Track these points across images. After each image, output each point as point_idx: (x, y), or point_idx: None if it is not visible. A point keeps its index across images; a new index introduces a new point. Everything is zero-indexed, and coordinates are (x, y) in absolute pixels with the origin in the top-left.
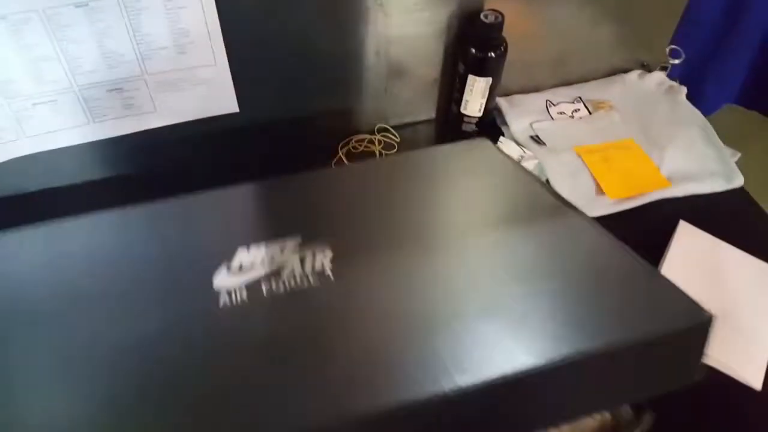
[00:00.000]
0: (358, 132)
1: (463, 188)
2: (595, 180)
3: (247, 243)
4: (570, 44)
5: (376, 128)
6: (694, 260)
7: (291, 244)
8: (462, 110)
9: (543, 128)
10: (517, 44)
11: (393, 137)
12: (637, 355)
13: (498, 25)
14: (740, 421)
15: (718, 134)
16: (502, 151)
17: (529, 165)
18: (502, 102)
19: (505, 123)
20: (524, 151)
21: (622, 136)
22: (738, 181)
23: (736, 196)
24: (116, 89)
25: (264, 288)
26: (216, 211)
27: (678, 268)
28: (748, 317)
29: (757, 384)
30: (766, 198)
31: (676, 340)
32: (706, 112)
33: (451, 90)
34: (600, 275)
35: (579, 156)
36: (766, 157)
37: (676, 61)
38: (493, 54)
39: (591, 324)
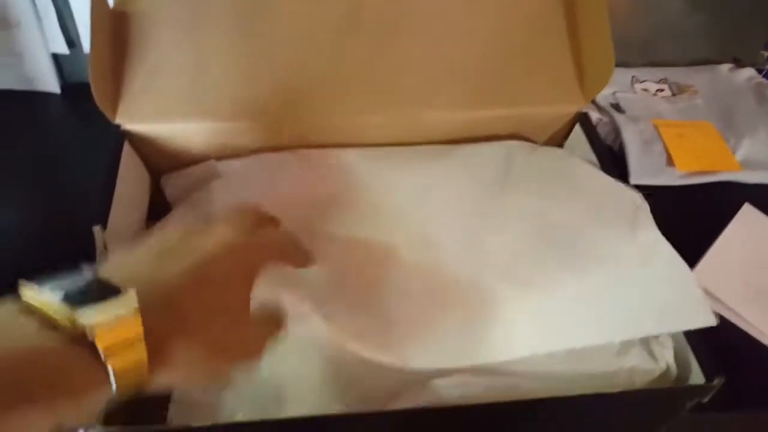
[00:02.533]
0: None
1: None
2: (667, 151)
3: None
4: (663, 28)
5: None
6: (750, 241)
7: None
8: None
9: (625, 98)
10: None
11: None
12: None
13: None
14: None
15: None
16: None
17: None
18: None
19: None
20: (602, 117)
21: (702, 119)
22: None
23: None
24: None
25: None
26: None
27: (732, 244)
28: None
29: None
30: None
31: None
32: None
33: None
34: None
35: (656, 128)
36: None
37: None
38: None
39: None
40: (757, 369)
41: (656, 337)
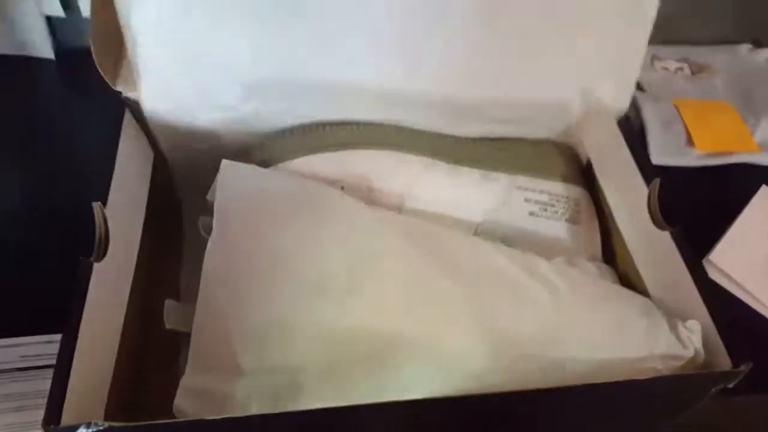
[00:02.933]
0: None
1: None
2: (687, 131)
3: None
4: (682, 6)
5: None
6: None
7: None
8: None
9: (645, 77)
10: None
11: None
12: None
13: None
14: None
15: None
16: None
17: None
18: None
19: None
20: None
21: (721, 99)
22: None
23: None
24: None
25: None
26: None
27: (752, 225)
28: None
29: None
30: None
31: None
32: None
33: None
34: None
35: (676, 107)
36: None
37: None
38: None
39: None
40: None
41: (684, 322)
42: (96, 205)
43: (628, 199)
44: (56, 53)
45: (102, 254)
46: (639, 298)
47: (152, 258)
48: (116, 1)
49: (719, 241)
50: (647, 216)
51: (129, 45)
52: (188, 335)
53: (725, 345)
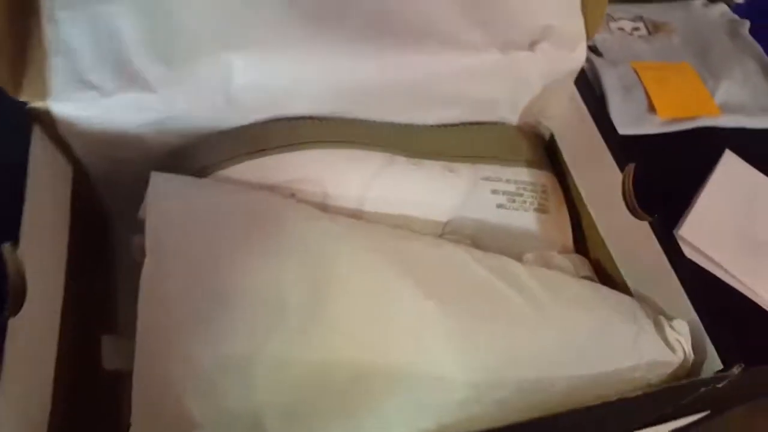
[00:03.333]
0: None
1: None
2: (648, 97)
3: None
4: None
5: None
6: (736, 189)
7: None
8: None
9: (602, 39)
10: None
11: None
12: None
13: None
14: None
15: None
16: None
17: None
18: None
19: None
20: None
21: (679, 60)
22: None
23: None
24: None
25: None
26: None
27: (719, 193)
28: None
29: None
30: None
31: None
32: None
33: None
34: None
35: (635, 71)
36: None
37: (740, 1)
38: None
39: None
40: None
41: (670, 321)
42: (5, 248)
43: (599, 183)
44: None
45: (18, 306)
46: (623, 302)
47: (81, 293)
48: None
49: (687, 214)
50: (622, 203)
51: (44, 40)
52: (132, 373)
53: (713, 342)
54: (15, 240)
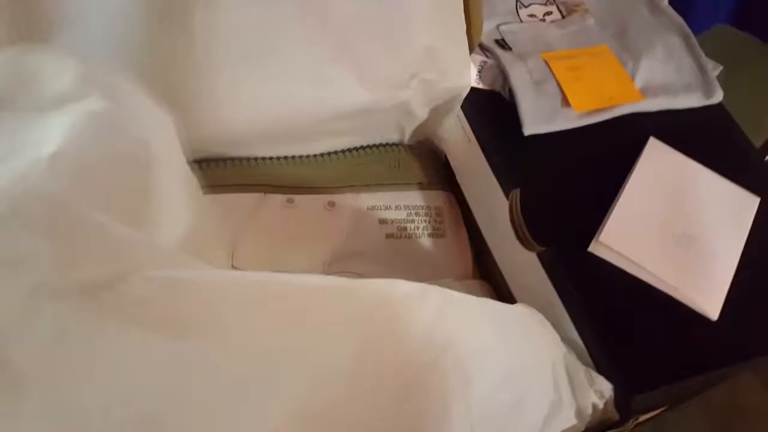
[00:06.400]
0: None
1: None
2: (561, 90)
3: None
4: None
5: None
6: (661, 180)
7: None
8: None
9: (510, 31)
10: None
11: None
12: None
13: None
14: (693, 352)
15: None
16: None
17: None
18: None
19: None
20: (487, 57)
21: (596, 42)
22: (717, 96)
23: (714, 112)
24: None
25: None
26: None
27: (643, 188)
28: (713, 242)
29: (713, 314)
30: (745, 119)
31: None
32: (695, 31)
33: None
34: None
35: (546, 63)
36: (750, 79)
37: None
38: None
39: None
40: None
41: (593, 381)
42: None
43: (489, 209)
44: None
45: None
46: (544, 365)
47: None
48: None
49: (607, 217)
50: (512, 231)
51: None
52: None
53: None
54: None
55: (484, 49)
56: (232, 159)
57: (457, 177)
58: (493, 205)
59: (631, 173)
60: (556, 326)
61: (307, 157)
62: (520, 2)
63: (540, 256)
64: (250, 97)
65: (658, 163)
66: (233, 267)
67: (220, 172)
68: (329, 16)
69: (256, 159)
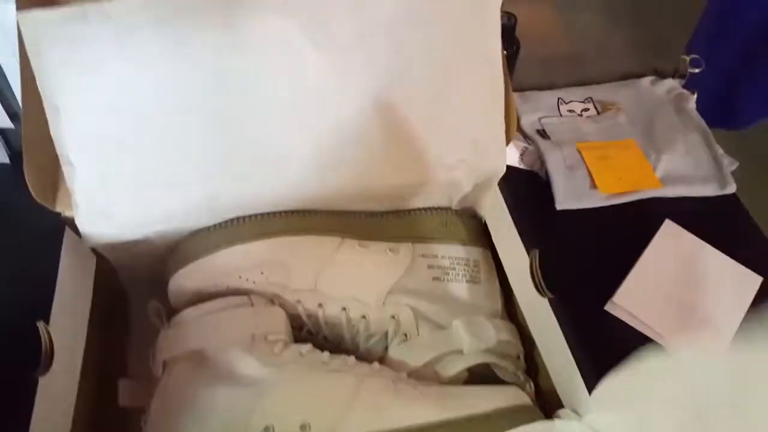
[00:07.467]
0: None
1: None
2: (590, 174)
3: None
4: (585, 47)
5: None
6: (672, 257)
7: None
8: None
9: (550, 123)
10: (532, 43)
11: None
12: None
13: (510, 27)
14: None
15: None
16: None
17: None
18: (515, 97)
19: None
20: (528, 144)
21: (625, 136)
22: (730, 187)
23: (727, 202)
24: None
25: None
26: None
27: (654, 261)
28: (717, 315)
29: None
30: (758, 208)
31: None
32: (742, 125)
33: None
34: None
35: (579, 151)
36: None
37: (696, 70)
38: (504, 52)
39: None
40: None
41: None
42: (41, 325)
43: (515, 263)
44: (10, 158)
45: (47, 367)
46: None
47: (102, 347)
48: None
49: (623, 282)
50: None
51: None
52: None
53: None
54: (47, 317)
55: (526, 136)
56: (317, 211)
57: (493, 237)
58: (518, 261)
59: (646, 249)
60: (563, 368)
61: (374, 212)
62: (561, 99)
63: (550, 302)
64: (346, 175)
65: (671, 241)
66: (316, 288)
67: (309, 220)
68: (409, 116)
69: (336, 212)
